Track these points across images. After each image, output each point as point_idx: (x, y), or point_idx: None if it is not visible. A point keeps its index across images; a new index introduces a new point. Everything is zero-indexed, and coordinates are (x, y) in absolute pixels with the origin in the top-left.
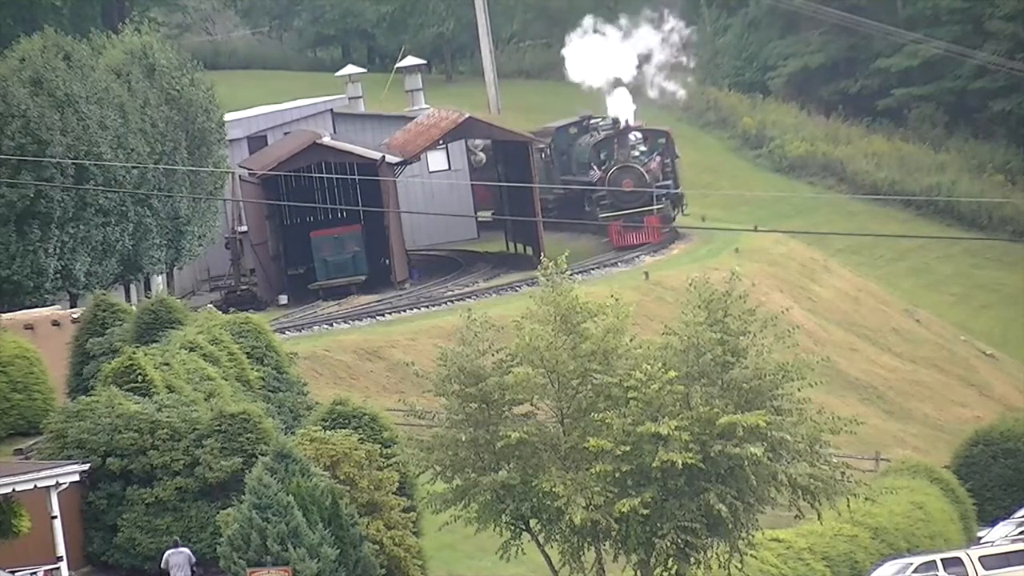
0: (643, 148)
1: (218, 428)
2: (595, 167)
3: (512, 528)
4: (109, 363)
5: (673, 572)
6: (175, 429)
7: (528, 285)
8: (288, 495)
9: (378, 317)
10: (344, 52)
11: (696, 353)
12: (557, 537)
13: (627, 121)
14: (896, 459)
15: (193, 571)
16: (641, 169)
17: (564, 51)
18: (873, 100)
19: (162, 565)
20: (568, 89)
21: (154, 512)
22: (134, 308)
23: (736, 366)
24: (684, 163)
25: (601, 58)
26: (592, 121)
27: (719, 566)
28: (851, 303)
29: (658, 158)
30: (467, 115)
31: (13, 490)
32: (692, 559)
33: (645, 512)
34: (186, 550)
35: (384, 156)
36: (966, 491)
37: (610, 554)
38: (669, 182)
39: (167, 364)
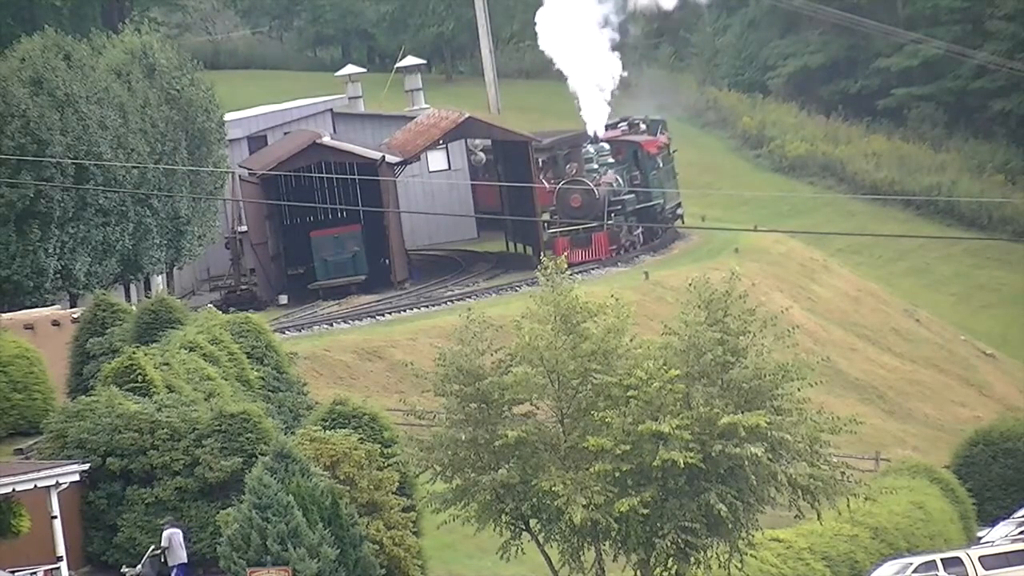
0: (610, 160)
1: (218, 428)
2: (544, 180)
3: (512, 528)
4: (109, 363)
5: (673, 572)
6: (175, 429)
7: (528, 285)
8: (288, 495)
9: (378, 317)
10: (344, 52)
11: (696, 353)
12: (557, 537)
13: (595, 132)
14: (896, 459)
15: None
16: (591, 184)
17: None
18: (873, 100)
19: (163, 543)
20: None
21: (154, 512)
22: (134, 308)
23: (736, 366)
24: (684, 163)
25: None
26: (628, 122)
27: (719, 566)
28: (851, 303)
29: (613, 172)
30: (467, 115)
31: (13, 490)
32: (692, 559)
33: (645, 512)
34: (180, 529)
35: (384, 156)
36: (966, 491)
37: (610, 554)
38: (632, 196)
39: (167, 364)
